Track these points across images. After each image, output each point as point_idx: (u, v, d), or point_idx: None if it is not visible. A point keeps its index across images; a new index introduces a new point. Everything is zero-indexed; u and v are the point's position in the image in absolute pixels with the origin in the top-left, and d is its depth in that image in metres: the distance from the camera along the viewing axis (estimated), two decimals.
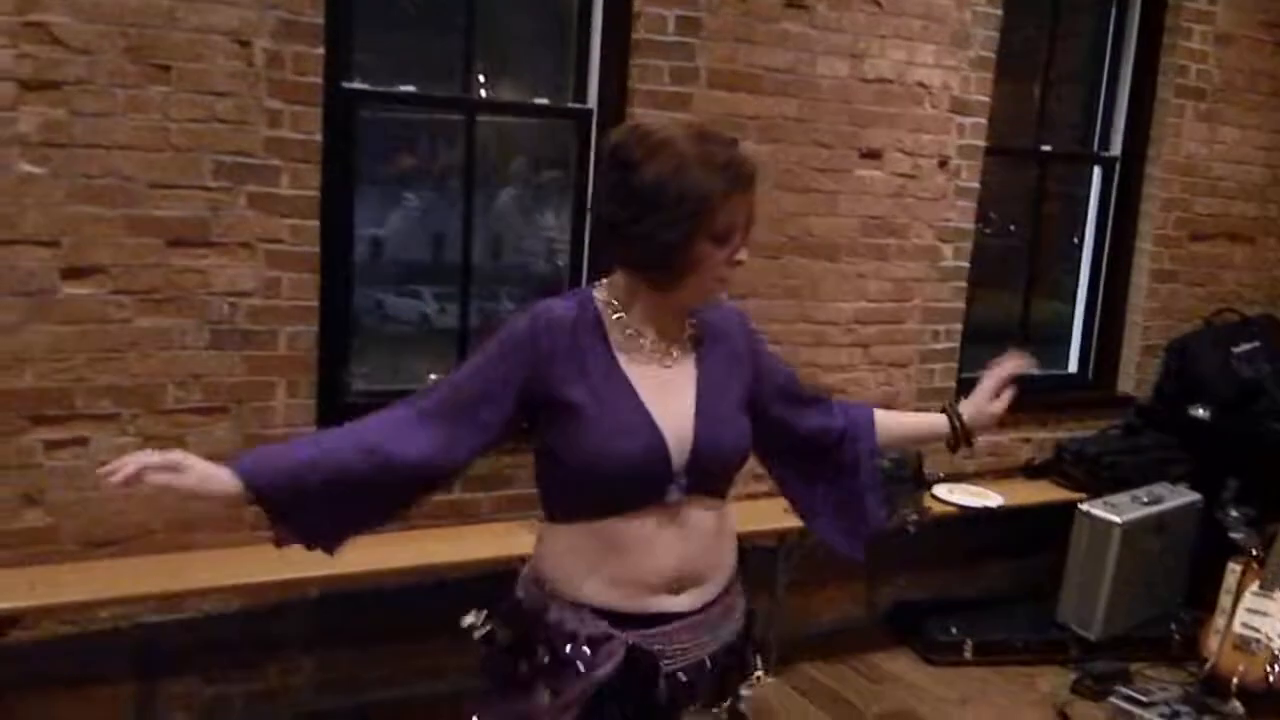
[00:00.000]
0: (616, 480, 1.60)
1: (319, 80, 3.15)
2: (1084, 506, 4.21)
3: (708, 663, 1.69)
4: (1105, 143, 4.91)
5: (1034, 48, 4.66)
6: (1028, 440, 4.70)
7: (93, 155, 2.90)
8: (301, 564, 3.09)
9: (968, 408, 1.96)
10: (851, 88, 3.99)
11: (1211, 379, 4.66)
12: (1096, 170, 4.94)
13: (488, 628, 1.74)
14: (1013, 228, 4.88)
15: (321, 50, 3.12)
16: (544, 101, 3.81)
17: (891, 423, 1.97)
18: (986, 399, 1.96)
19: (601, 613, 1.64)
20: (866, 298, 4.17)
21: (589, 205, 1.70)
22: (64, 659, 3.06)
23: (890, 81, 4.07)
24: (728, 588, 1.75)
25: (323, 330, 3.28)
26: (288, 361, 3.23)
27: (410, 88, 3.54)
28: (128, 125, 2.92)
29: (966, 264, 4.38)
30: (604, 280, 1.72)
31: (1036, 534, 4.51)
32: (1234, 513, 4.23)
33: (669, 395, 1.65)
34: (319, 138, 3.17)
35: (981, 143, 4.32)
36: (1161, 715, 3.63)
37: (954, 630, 4.17)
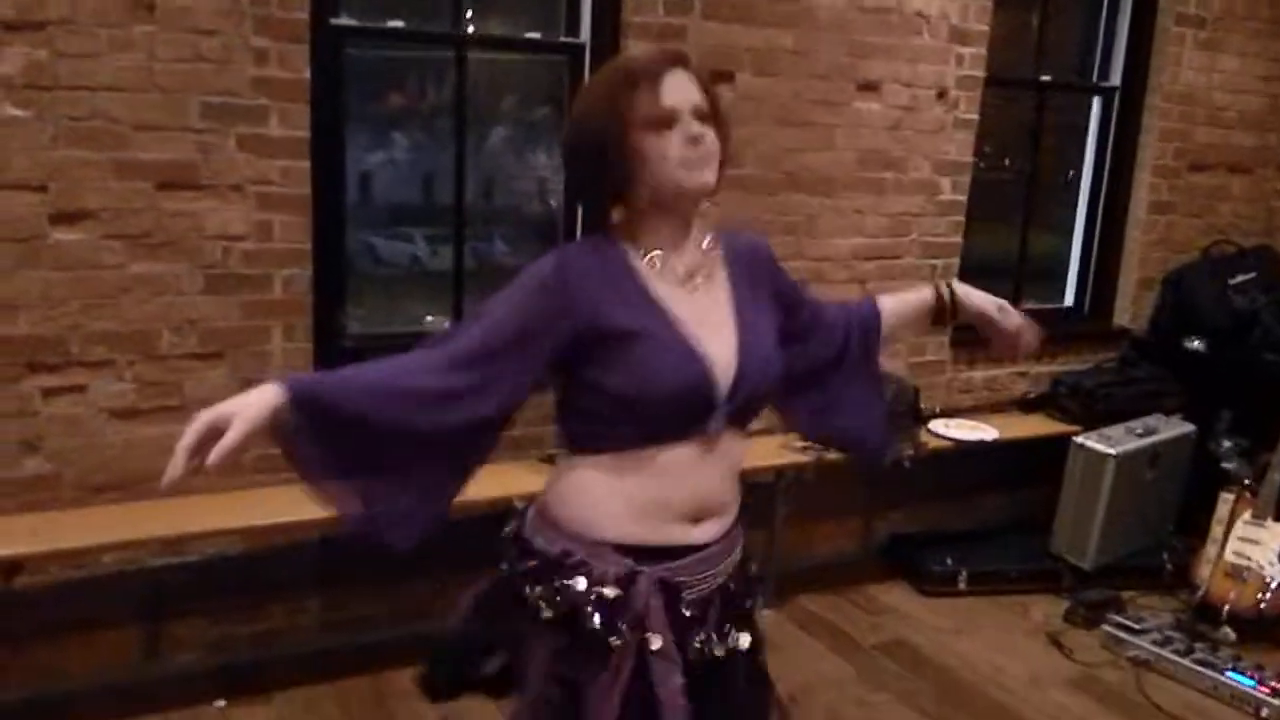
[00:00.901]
0: (665, 410, 1.58)
1: (305, 16, 3.09)
2: (1079, 439, 4.24)
3: (717, 595, 1.69)
4: (1105, 73, 4.86)
5: None
6: (1024, 374, 4.72)
7: (78, 97, 2.85)
8: (304, 507, 3.13)
9: (969, 294, 1.95)
10: (849, 17, 3.93)
11: (1207, 311, 4.67)
12: (1096, 101, 4.89)
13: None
14: (1008, 161, 4.84)
15: None
16: (535, 36, 3.74)
17: (889, 308, 1.96)
18: (992, 303, 1.94)
19: (624, 549, 1.63)
20: (864, 233, 4.15)
21: None
22: (70, 604, 3.09)
23: (889, 10, 4.00)
24: (736, 519, 1.76)
25: (317, 273, 3.26)
26: (283, 305, 3.21)
27: (399, 23, 3.47)
28: (113, 66, 2.87)
29: (964, 198, 4.36)
30: (609, 225, 1.70)
31: (1032, 467, 4.54)
32: (1227, 443, 4.27)
33: (708, 325, 1.64)
34: (307, 76, 3.12)
35: (980, 73, 4.27)
36: (1153, 642, 3.69)
37: (949, 562, 4.21)
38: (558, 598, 1.62)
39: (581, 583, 1.61)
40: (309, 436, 1.54)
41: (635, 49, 3.54)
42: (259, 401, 1.50)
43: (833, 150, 4.01)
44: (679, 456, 1.61)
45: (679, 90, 1.58)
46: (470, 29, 3.62)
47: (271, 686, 3.26)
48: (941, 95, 4.18)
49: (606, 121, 1.56)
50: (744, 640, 1.70)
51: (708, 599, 1.68)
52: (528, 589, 1.67)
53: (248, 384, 3.24)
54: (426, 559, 3.61)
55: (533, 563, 1.68)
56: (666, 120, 1.56)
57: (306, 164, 3.17)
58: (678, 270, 1.65)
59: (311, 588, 3.45)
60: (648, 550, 1.63)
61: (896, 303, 1.96)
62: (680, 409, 1.59)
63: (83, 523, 2.95)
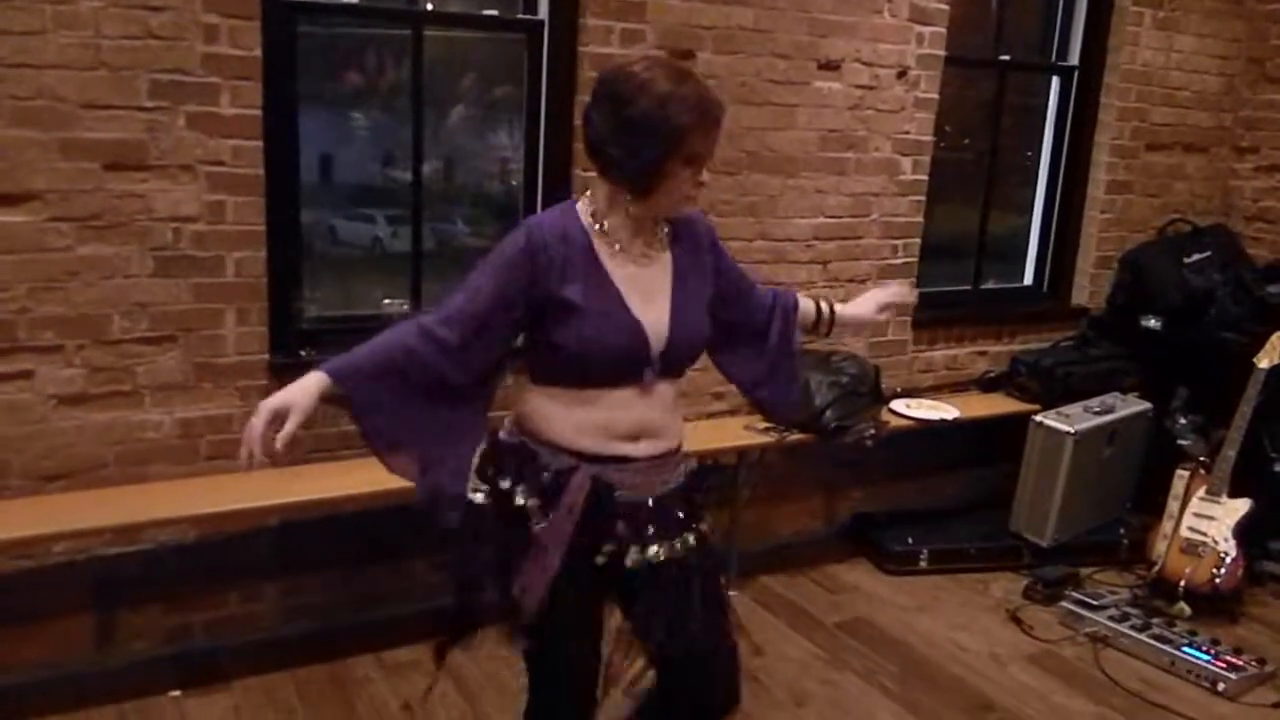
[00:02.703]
0: (604, 365, 1.93)
1: None
2: (1038, 418, 4.27)
3: (650, 502, 2.01)
4: (1063, 53, 4.88)
5: None
6: (983, 353, 4.75)
7: (22, 75, 2.76)
8: (259, 493, 3.10)
9: (851, 305, 2.40)
10: None
11: (1163, 289, 4.71)
12: (1054, 80, 4.91)
13: (479, 487, 2.03)
14: (969, 141, 4.85)
15: None
16: (493, 13, 3.69)
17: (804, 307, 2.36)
18: (870, 308, 2.40)
19: (569, 451, 1.97)
20: (825, 213, 4.14)
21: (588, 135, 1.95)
22: (20, 594, 3.03)
23: None
24: (676, 447, 2.08)
25: (271, 255, 3.20)
26: (236, 288, 3.15)
27: (353, 0, 3.41)
28: (58, 43, 2.79)
29: (925, 177, 4.36)
30: (585, 194, 2.01)
31: (991, 445, 4.58)
32: (1183, 420, 4.33)
33: (648, 295, 1.98)
34: (259, 53, 3.05)
35: (940, 52, 4.26)
36: (1110, 618, 3.74)
37: (910, 540, 4.24)
38: (499, 456, 2.01)
39: (528, 459, 1.98)
40: (356, 410, 1.89)
41: (593, 26, 3.51)
42: (307, 389, 1.83)
43: (794, 130, 3.99)
44: (620, 397, 1.96)
45: (713, 141, 1.93)
46: (429, 5, 3.56)
47: (228, 675, 3.21)
48: (902, 74, 4.18)
49: (661, 143, 1.85)
50: (659, 552, 2.00)
51: (638, 507, 1.99)
52: (487, 469, 2.02)
53: (200, 369, 3.20)
54: (386, 545, 3.59)
55: (490, 442, 2.05)
56: (699, 160, 1.91)
57: (259, 143, 3.10)
58: (631, 249, 1.98)
59: (268, 574, 3.40)
60: (589, 456, 1.97)
61: (805, 303, 2.36)
62: (619, 366, 1.95)
63: (32, 512, 2.88)
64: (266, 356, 3.23)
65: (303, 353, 3.31)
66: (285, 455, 1.84)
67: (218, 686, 3.16)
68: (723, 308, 2.15)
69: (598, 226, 1.96)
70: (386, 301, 3.50)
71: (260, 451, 1.79)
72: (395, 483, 3.24)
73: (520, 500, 1.97)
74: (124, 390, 3.04)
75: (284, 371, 3.25)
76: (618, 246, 1.96)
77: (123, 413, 3.07)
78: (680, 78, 1.88)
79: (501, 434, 2.06)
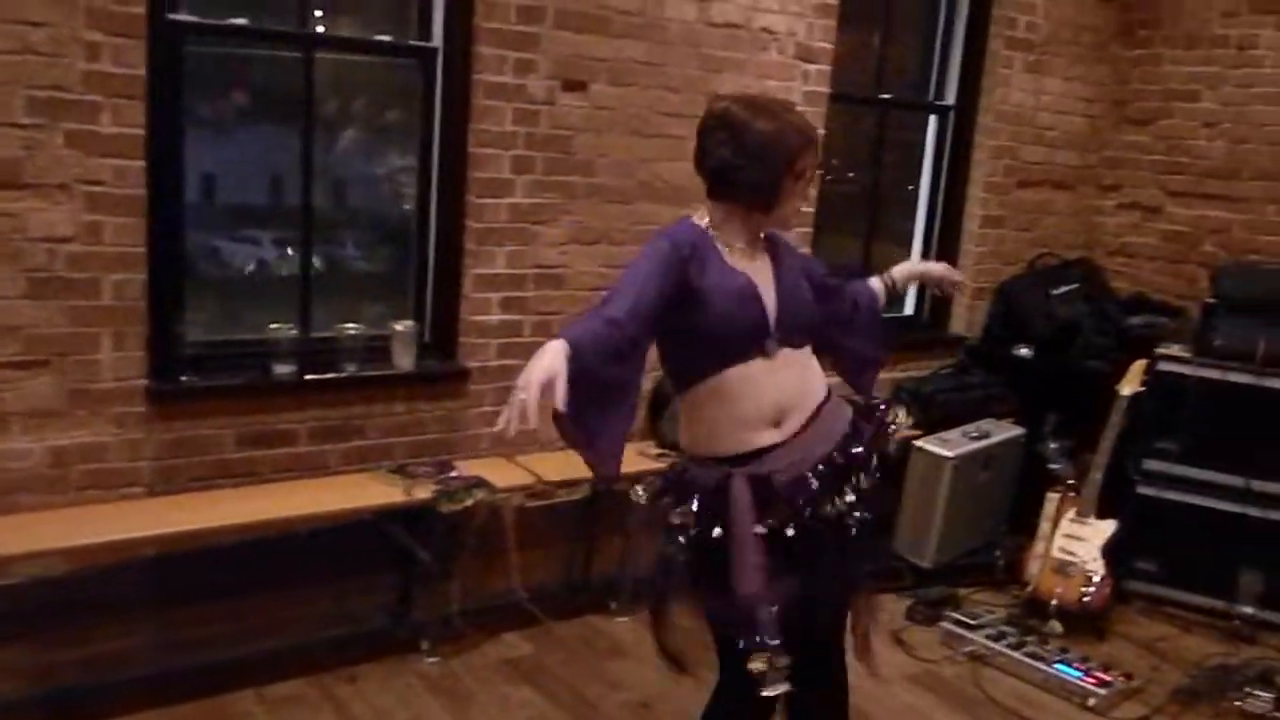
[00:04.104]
0: (733, 335, 2.20)
1: (142, 11, 2.95)
2: (918, 443, 4.41)
3: (810, 475, 2.22)
4: (940, 92, 5.08)
5: None
6: None
7: None
8: (134, 524, 2.99)
9: (904, 268, 2.76)
10: (699, 32, 3.99)
11: (1033, 320, 4.93)
12: (932, 119, 5.11)
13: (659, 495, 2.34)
14: (853, 175, 5.01)
15: None
16: (386, 39, 3.67)
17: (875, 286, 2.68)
18: (925, 271, 2.88)
19: (718, 459, 2.22)
20: None
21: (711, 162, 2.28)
22: None
23: (737, 26, 4.09)
24: (817, 412, 2.30)
25: (152, 278, 3.12)
26: (114, 311, 3.06)
27: (242, 21, 3.35)
28: None
29: (812, 210, 4.48)
30: (698, 213, 2.29)
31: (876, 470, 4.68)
32: (1053, 445, 4.52)
33: (762, 283, 2.27)
34: (143, 72, 2.98)
35: (825, 89, 4.40)
36: (988, 637, 3.86)
37: None
38: (673, 484, 2.31)
39: (690, 481, 2.26)
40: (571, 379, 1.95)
41: (487, 55, 3.52)
42: (560, 353, 1.92)
43: (685, 160, 4.00)
44: (748, 371, 2.21)
45: (815, 158, 2.29)
46: (320, 29, 3.53)
47: (102, 714, 3.08)
48: None
49: (779, 163, 2.19)
50: (848, 499, 2.26)
51: (804, 477, 2.21)
52: (658, 500, 2.34)
53: (75, 395, 3.08)
54: (270, 577, 3.50)
55: (661, 482, 2.39)
56: (806, 174, 2.25)
57: (141, 163, 3.02)
58: (744, 254, 2.28)
59: (144, 609, 3.27)
60: (738, 458, 2.21)
61: (876, 282, 2.69)
62: (748, 334, 2.22)
63: None
64: (145, 382, 3.14)
65: (183, 378, 3.22)
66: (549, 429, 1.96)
67: None
68: (820, 297, 2.43)
69: (714, 234, 2.26)
70: (273, 326, 3.43)
71: (538, 421, 1.86)
72: (275, 513, 3.22)
73: (685, 522, 2.24)
74: None
75: (162, 398, 3.16)
76: (732, 249, 2.26)
77: None
78: (784, 106, 2.27)
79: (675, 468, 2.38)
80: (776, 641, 2.16)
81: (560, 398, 1.88)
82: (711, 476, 2.22)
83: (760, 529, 2.18)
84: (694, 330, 2.20)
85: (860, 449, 2.32)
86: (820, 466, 2.25)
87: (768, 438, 2.23)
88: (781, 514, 2.20)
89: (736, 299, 2.22)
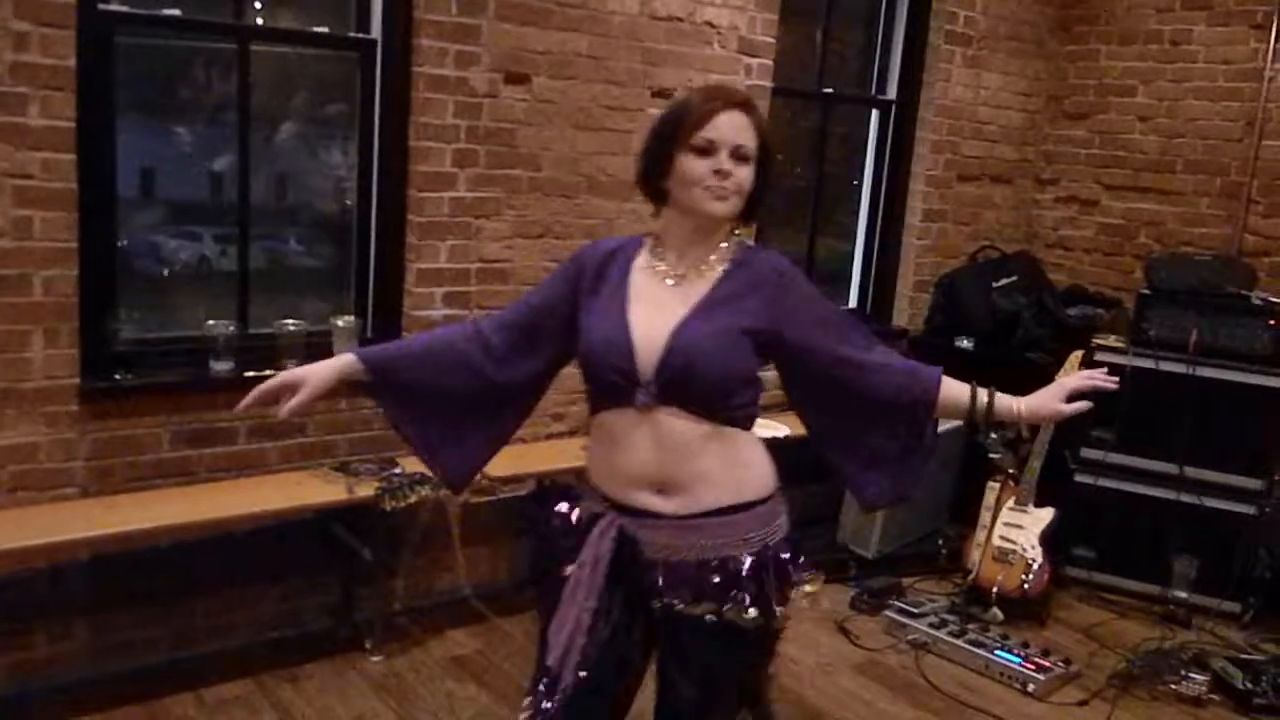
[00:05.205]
0: (596, 380, 1.91)
1: (71, 1, 2.88)
2: None
3: (692, 567, 1.88)
4: (882, 86, 5.12)
5: None
6: None
7: None
8: (68, 526, 2.93)
9: (1030, 399, 2.08)
10: (641, 25, 3.99)
11: (974, 312, 4.99)
12: (874, 113, 5.16)
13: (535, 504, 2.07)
14: (798, 170, 5.04)
15: None
16: (323, 30, 3.62)
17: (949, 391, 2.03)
18: (1057, 395, 2.07)
19: (604, 497, 1.95)
20: None
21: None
22: None
23: (680, 20, 4.09)
24: (731, 510, 1.90)
25: (84, 274, 3.04)
26: (44, 308, 2.98)
27: (175, 11, 3.28)
28: None
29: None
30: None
31: (819, 463, 4.72)
32: (993, 435, 4.58)
33: (658, 311, 1.89)
34: (72, 63, 2.91)
35: (768, 84, 4.42)
36: (930, 625, 3.92)
37: None
38: (552, 493, 2.04)
39: (564, 506, 1.99)
40: (381, 395, 1.98)
41: (427, 46, 3.49)
42: (326, 366, 1.93)
43: (629, 155, 4.04)
44: (620, 423, 1.89)
45: (727, 128, 1.85)
46: (259, 20, 3.47)
47: None
48: None
49: (666, 134, 1.88)
50: (706, 612, 1.88)
51: (680, 565, 1.87)
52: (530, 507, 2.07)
53: (5, 394, 3.00)
54: (208, 577, 3.44)
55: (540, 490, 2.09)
56: (704, 149, 1.84)
57: (72, 156, 2.95)
58: (675, 269, 1.93)
59: (78, 612, 3.20)
60: (616, 503, 1.92)
61: (949, 386, 2.03)
62: (610, 376, 1.87)
63: None
64: (77, 380, 3.07)
65: (117, 376, 3.15)
66: (287, 417, 1.94)
67: None
68: (802, 356, 1.94)
69: (651, 242, 1.98)
70: (210, 322, 3.37)
71: (251, 402, 1.90)
72: (214, 513, 3.17)
73: (552, 538, 1.99)
74: None
75: (96, 397, 3.09)
76: (656, 261, 1.94)
77: None
78: (707, 84, 1.98)
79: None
80: (550, 707, 1.90)
81: (290, 405, 1.90)
82: (591, 504, 1.96)
83: (600, 581, 1.89)
84: (579, 358, 1.95)
85: (742, 597, 1.88)
86: (693, 568, 1.88)
87: (648, 502, 1.89)
88: (632, 585, 1.90)
89: (601, 325, 1.89)
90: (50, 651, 3.18)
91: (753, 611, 1.88)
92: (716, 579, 1.87)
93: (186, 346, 3.38)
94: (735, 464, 1.92)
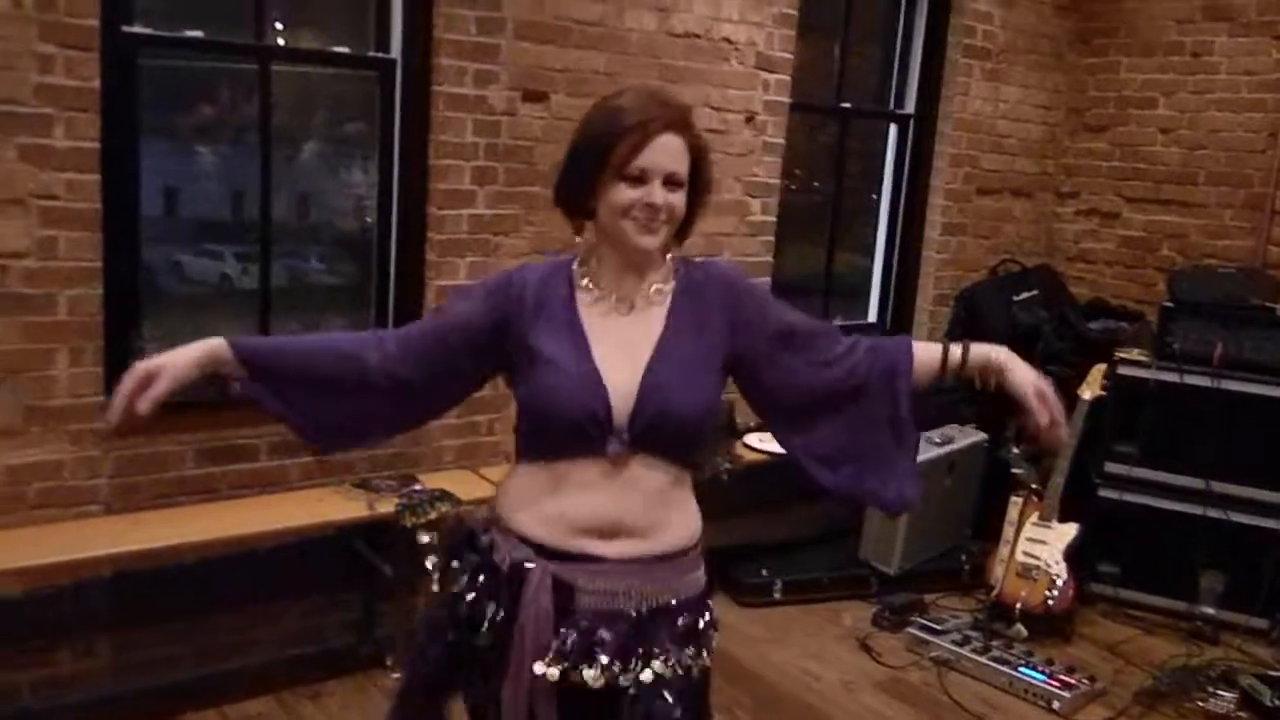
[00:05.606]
0: (560, 427, 1.69)
1: (96, 23, 2.92)
2: None
3: (632, 614, 1.70)
4: (900, 101, 5.12)
5: (834, 6, 4.78)
6: None
7: None
8: (92, 542, 2.95)
9: (990, 353, 1.84)
10: (659, 42, 4.00)
11: (994, 326, 4.96)
12: (892, 127, 5.15)
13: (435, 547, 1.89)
14: (816, 184, 5.04)
15: None
16: (344, 50, 3.65)
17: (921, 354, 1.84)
18: (1029, 383, 1.81)
19: (528, 543, 1.73)
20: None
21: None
22: None
23: (698, 36, 4.10)
24: (675, 556, 1.77)
25: (108, 293, 3.07)
26: (69, 327, 3.01)
27: (198, 33, 3.32)
28: None
29: (774, 219, 4.50)
30: (577, 247, 1.81)
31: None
32: (1015, 450, 4.55)
33: (624, 350, 1.72)
34: (97, 85, 2.94)
35: (786, 99, 4.42)
36: (953, 642, 3.89)
37: (764, 572, 4.32)
38: (455, 539, 1.84)
39: (474, 558, 1.78)
40: (253, 384, 1.76)
41: (446, 65, 3.51)
42: (186, 352, 1.70)
43: None
44: (583, 473, 1.71)
45: (661, 155, 1.67)
46: (280, 41, 3.50)
47: None
48: (750, 119, 4.32)
49: (591, 155, 1.68)
50: (651, 674, 1.70)
51: (611, 618, 1.69)
52: (433, 558, 1.87)
53: (31, 412, 3.03)
54: (231, 594, 3.46)
55: (453, 524, 1.91)
56: (636, 179, 1.66)
57: (96, 177, 2.98)
58: (615, 297, 1.76)
59: (102, 629, 3.22)
60: (549, 550, 1.72)
61: (920, 350, 1.86)
62: (577, 431, 1.68)
63: None
64: (102, 398, 3.08)
65: None
66: (142, 420, 1.69)
67: None
68: (768, 366, 1.79)
69: (581, 270, 1.76)
70: None
71: (119, 410, 1.66)
72: (237, 530, 3.18)
73: (472, 601, 1.75)
74: None
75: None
76: (599, 294, 1.75)
77: None
78: (639, 91, 1.74)
79: (471, 522, 1.86)
80: None
81: (149, 397, 1.65)
82: (515, 553, 1.74)
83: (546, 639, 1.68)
84: (521, 405, 1.76)
85: (701, 644, 1.79)
86: (632, 615, 1.71)
87: (590, 546, 1.71)
88: (574, 638, 1.68)
89: (567, 371, 1.69)
90: (74, 668, 3.20)
91: (705, 656, 1.81)
92: (680, 624, 1.76)
93: None
94: (686, 507, 1.81)
